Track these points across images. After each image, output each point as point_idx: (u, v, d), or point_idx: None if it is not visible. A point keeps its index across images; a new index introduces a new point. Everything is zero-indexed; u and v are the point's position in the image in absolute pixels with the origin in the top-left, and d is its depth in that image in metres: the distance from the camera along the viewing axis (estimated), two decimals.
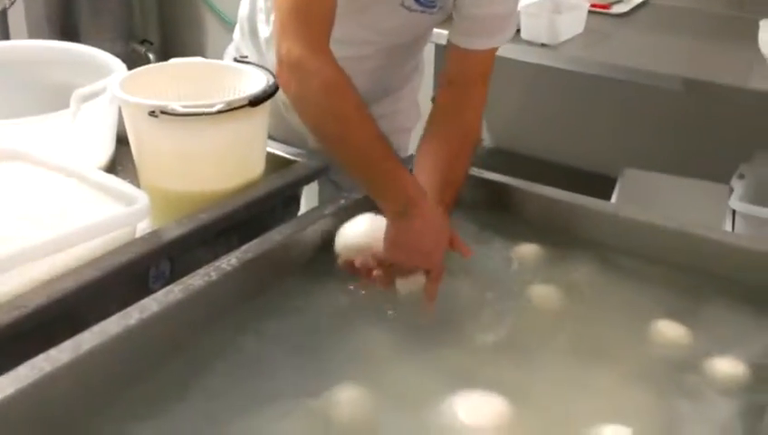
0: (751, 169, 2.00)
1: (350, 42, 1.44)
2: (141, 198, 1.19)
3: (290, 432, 0.98)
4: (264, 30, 1.54)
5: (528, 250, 1.34)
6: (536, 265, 1.32)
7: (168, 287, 1.07)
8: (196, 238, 1.24)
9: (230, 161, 1.34)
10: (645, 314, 1.20)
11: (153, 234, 1.21)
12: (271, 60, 1.36)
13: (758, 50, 2.02)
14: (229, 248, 1.19)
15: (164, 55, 3.21)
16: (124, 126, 1.38)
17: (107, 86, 1.37)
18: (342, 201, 1.32)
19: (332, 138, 1.23)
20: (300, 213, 1.48)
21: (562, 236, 1.35)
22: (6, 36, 3.02)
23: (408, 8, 1.38)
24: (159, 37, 3.29)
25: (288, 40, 1.20)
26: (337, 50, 1.46)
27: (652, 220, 1.32)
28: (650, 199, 2.06)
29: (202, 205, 1.29)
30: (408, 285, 1.21)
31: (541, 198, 1.40)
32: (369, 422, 1.02)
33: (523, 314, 1.22)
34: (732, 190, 1.94)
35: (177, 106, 1.25)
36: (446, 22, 1.43)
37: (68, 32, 3.06)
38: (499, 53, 1.43)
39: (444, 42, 1.43)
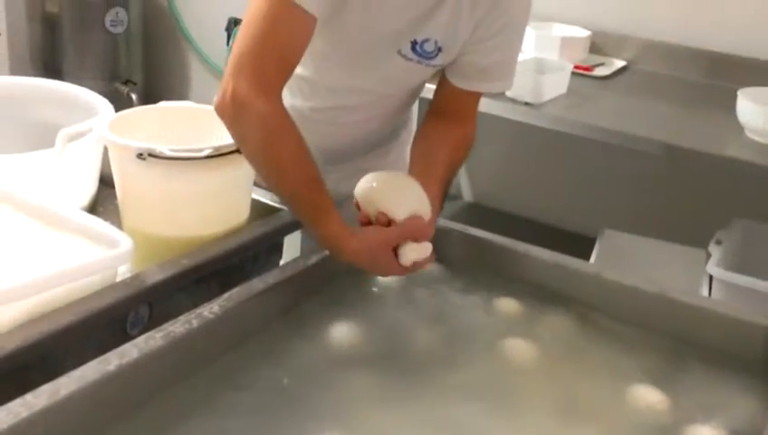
0: (728, 236, 2.03)
1: (342, 90, 1.44)
2: (124, 241, 1.18)
3: None
4: None
5: (507, 306, 1.34)
6: (515, 321, 1.31)
7: (149, 334, 1.05)
8: (177, 284, 1.23)
9: (215, 207, 1.33)
10: (623, 376, 1.20)
11: (134, 278, 1.20)
12: None
13: (736, 119, 2.06)
14: (209, 294, 1.17)
15: (147, 96, 3.21)
16: (107, 167, 1.37)
17: (93, 126, 1.37)
18: (327, 251, 1.32)
19: (266, 178, 1.28)
20: (282, 262, 1.47)
21: (542, 294, 1.35)
22: None
23: (405, 56, 1.37)
24: (143, 78, 3.29)
25: (238, 78, 1.21)
26: (328, 98, 1.47)
27: (634, 283, 1.33)
28: (629, 261, 2.08)
29: (185, 250, 1.28)
30: (411, 254, 1.23)
31: (523, 256, 1.40)
32: None
33: (501, 369, 1.21)
34: (709, 256, 1.96)
35: (165, 149, 1.24)
36: None
37: (51, 69, 3.06)
38: (483, 109, 1.45)
39: (423, 94, 1.45)
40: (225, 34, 2.84)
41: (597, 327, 1.30)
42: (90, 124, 1.38)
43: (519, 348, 1.25)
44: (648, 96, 2.40)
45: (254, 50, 1.22)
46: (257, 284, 1.21)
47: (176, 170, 1.26)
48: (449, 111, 1.42)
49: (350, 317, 1.25)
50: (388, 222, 1.22)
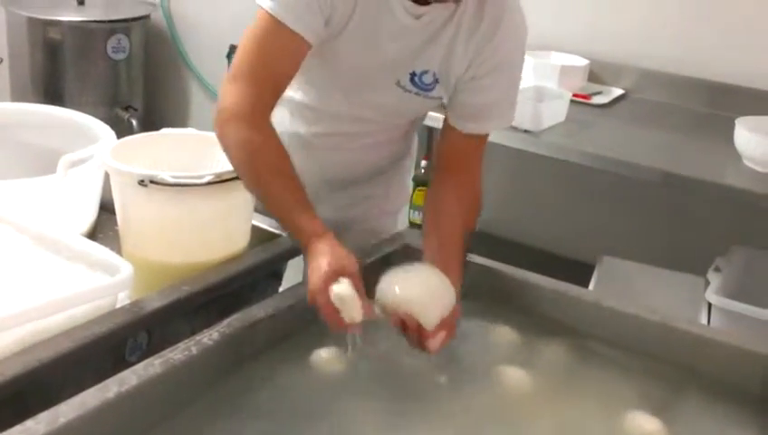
0: (727, 263, 2.03)
1: (344, 118, 1.46)
2: (124, 267, 1.18)
3: None
4: None
5: (505, 333, 1.34)
6: (512, 348, 1.31)
7: (148, 360, 1.05)
8: (176, 310, 1.23)
9: (216, 233, 1.34)
10: (621, 404, 1.19)
11: (134, 304, 1.20)
12: None
13: (734, 147, 2.07)
14: (208, 321, 1.17)
15: (147, 122, 3.22)
16: (106, 193, 1.37)
17: (95, 153, 1.37)
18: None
19: (248, 187, 1.29)
20: (281, 288, 1.47)
21: (541, 321, 1.35)
22: None
23: (404, 88, 1.39)
24: (143, 104, 3.30)
25: (237, 92, 1.25)
26: (329, 125, 1.49)
27: (634, 311, 1.33)
28: (627, 288, 2.07)
29: (184, 276, 1.28)
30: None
31: (521, 282, 1.40)
32: None
33: (498, 396, 1.21)
34: (708, 283, 1.96)
35: (166, 176, 1.25)
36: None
37: (52, 94, 3.07)
38: None
39: (432, 123, 1.45)
40: (226, 61, 2.86)
41: (595, 355, 1.30)
42: (91, 151, 1.39)
43: (516, 376, 1.24)
44: (646, 124, 2.41)
45: (245, 67, 1.27)
46: (257, 311, 1.21)
47: (177, 197, 1.27)
48: (454, 162, 1.43)
49: (348, 344, 1.25)
50: (418, 326, 1.17)
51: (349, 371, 1.21)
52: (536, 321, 1.35)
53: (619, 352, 1.30)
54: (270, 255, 1.41)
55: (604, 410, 1.19)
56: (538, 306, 1.38)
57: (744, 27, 2.42)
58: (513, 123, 2.15)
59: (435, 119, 1.58)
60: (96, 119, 1.57)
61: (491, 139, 1.46)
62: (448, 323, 1.19)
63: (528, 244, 2.69)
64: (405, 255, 1.43)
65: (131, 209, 1.33)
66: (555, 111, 2.26)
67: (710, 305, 1.90)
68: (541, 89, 2.34)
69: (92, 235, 1.49)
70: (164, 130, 1.47)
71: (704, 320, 1.89)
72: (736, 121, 2.07)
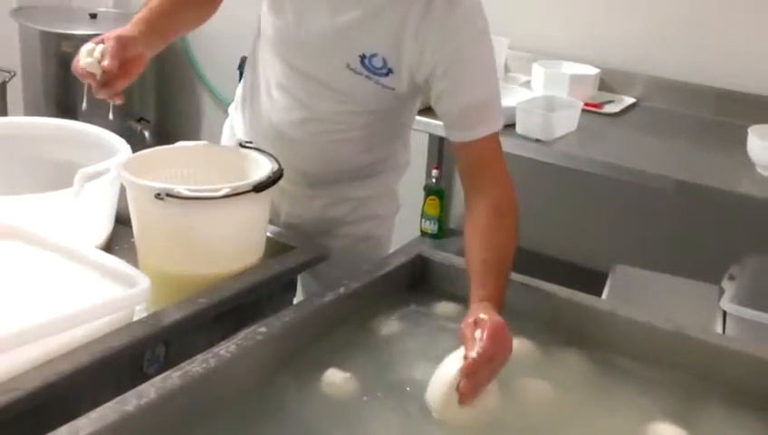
0: (741, 271, 2.03)
1: (307, 106, 1.50)
2: (142, 280, 1.18)
3: None
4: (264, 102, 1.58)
5: (522, 345, 1.33)
6: (530, 360, 1.31)
7: (166, 373, 1.05)
8: (193, 322, 1.23)
9: (231, 245, 1.34)
10: (643, 414, 1.19)
11: (151, 317, 1.20)
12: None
13: (747, 155, 2.07)
14: (224, 333, 1.18)
15: (160, 133, 3.24)
16: (121, 205, 1.38)
17: (111, 166, 1.38)
18: (342, 289, 1.32)
19: None
20: (296, 299, 1.48)
21: (556, 330, 1.35)
22: (4, 111, 3.03)
23: (354, 70, 1.41)
24: (156, 116, 3.32)
25: None
26: (299, 113, 1.52)
27: (649, 320, 1.33)
28: (641, 296, 2.07)
29: (201, 288, 1.28)
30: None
31: (535, 291, 1.40)
32: None
33: (516, 408, 1.21)
34: (722, 291, 1.96)
35: (182, 189, 1.25)
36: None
37: (64, 107, 3.09)
38: None
39: (433, 131, 1.45)
40: (238, 73, 2.87)
41: (613, 365, 1.30)
42: (108, 164, 1.39)
43: (534, 387, 1.24)
44: (657, 133, 2.40)
45: None
46: (274, 322, 1.21)
47: (193, 210, 1.27)
48: (469, 174, 1.43)
49: (363, 356, 1.25)
50: None
51: (365, 383, 1.20)
52: (551, 329, 1.35)
53: (638, 362, 1.29)
54: (285, 266, 1.41)
55: (625, 421, 1.19)
56: (553, 315, 1.37)
57: (755, 35, 2.42)
58: (525, 133, 2.18)
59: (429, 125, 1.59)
60: (112, 132, 1.57)
61: (502, 148, 1.45)
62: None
63: (541, 253, 2.69)
64: (417, 263, 1.45)
65: (147, 222, 1.34)
66: (567, 121, 2.26)
67: (725, 314, 1.89)
68: (552, 98, 2.34)
69: (108, 247, 1.49)
70: (180, 144, 1.47)
71: (719, 328, 1.88)
72: (749, 130, 2.07)
